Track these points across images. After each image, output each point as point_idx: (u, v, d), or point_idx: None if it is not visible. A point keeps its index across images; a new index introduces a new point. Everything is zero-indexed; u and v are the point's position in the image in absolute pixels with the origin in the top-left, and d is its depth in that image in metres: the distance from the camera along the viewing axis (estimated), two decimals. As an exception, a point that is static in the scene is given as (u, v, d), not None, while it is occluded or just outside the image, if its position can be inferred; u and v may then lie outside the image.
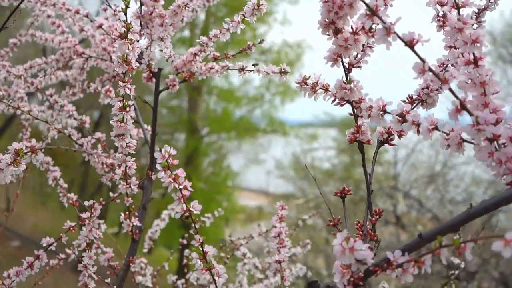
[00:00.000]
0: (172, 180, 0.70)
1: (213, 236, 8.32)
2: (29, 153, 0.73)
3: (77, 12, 1.17)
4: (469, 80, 0.63)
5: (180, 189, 0.70)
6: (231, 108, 12.00)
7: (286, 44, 10.88)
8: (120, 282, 1.08)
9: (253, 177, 13.11)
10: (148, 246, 1.57)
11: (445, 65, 0.80)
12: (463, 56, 0.65)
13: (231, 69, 1.08)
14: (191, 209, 0.71)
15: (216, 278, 0.73)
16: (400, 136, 0.76)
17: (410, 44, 0.58)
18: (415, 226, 6.02)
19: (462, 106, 0.59)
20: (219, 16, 10.98)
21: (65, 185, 1.18)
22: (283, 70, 0.95)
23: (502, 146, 0.60)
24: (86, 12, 1.19)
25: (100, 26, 1.08)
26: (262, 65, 1.02)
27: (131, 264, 1.09)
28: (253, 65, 1.04)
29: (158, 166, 0.70)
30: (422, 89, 0.79)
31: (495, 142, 0.58)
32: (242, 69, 1.06)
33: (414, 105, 0.79)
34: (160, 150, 0.69)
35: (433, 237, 0.57)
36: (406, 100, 0.79)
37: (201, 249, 0.73)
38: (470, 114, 0.58)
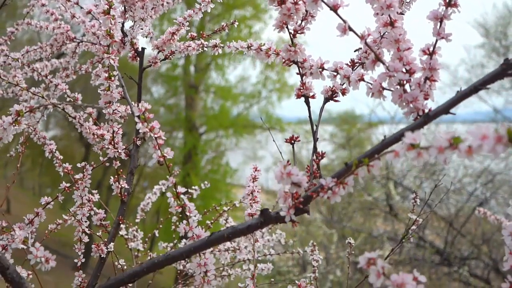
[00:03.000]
0: (148, 130, 0.83)
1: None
2: (28, 113, 0.86)
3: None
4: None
5: (156, 138, 0.83)
6: (229, 106, 12.13)
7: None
8: (111, 238, 1.22)
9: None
10: (140, 217, 1.71)
11: (382, 33, 0.93)
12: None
13: (206, 47, 1.21)
14: (165, 154, 0.85)
15: (188, 214, 0.86)
16: (343, 93, 0.90)
17: (334, 8, 0.71)
18: (407, 214, 6.16)
19: (377, 58, 0.72)
20: (215, 14, 11.13)
21: (61, 157, 1.31)
22: (249, 45, 1.08)
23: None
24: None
25: (89, 12, 1.21)
26: (233, 42, 1.15)
27: (120, 223, 1.23)
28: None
29: (136, 119, 0.83)
30: (363, 53, 0.92)
31: (404, 87, 0.71)
32: (215, 46, 1.20)
33: (356, 66, 0.92)
34: (138, 105, 0.83)
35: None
36: (349, 63, 0.93)
37: (174, 189, 0.87)
38: (383, 64, 0.71)
